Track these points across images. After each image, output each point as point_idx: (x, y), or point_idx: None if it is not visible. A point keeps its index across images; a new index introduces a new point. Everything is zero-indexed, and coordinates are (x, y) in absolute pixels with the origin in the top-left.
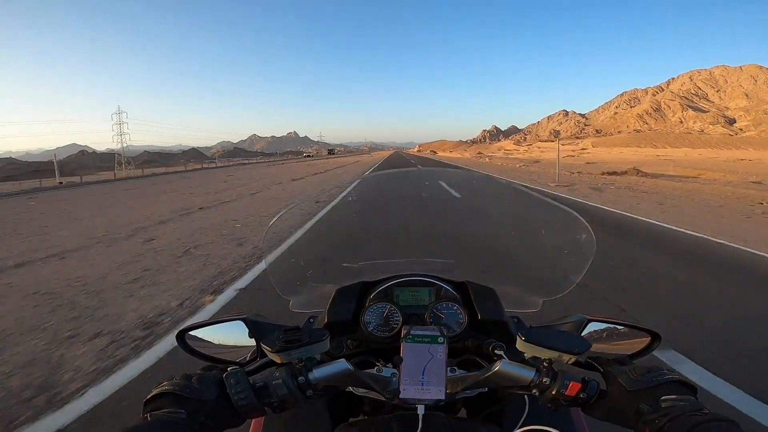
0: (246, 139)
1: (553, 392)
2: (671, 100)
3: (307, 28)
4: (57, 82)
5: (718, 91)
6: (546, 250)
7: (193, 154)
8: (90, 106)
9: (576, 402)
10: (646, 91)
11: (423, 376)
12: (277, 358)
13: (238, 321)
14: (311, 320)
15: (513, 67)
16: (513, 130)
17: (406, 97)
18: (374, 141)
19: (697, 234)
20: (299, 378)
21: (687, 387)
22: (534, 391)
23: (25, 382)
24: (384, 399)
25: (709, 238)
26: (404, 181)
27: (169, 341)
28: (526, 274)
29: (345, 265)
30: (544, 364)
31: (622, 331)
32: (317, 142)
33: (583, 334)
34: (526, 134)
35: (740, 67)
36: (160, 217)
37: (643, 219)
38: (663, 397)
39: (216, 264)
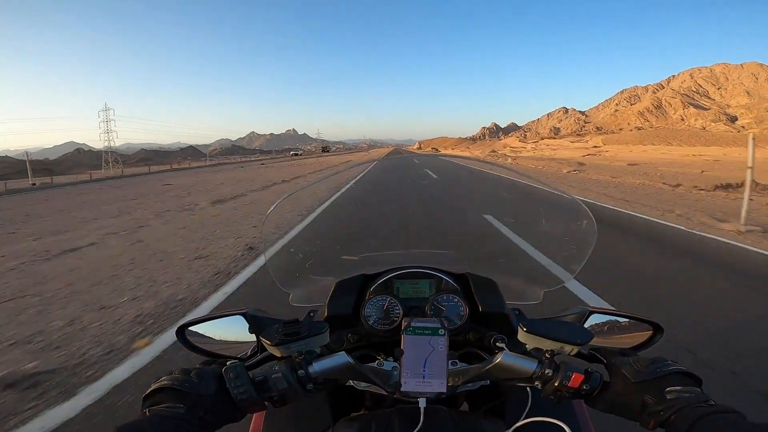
0: (244, 137)
1: (556, 384)
2: (672, 98)
3: (306, 25)
4: (54, 81)
5: (719, 89)
6: (547, 238)
7: (190, 152)
8: (88, 105)
9: (579, 394)
10: (646, 88)
11: (424, 368)
12: (276, 352)
13: (238, 316)
14: (311, 314)
15: (512, 64)
16: (513, 128)
17: (405, 94)
18: (373, 138)
19: None
20: (299, 371)
21: (692, 378)
22: (536, 383)
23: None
24: (385, 393)
25: None
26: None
27: None
28: (527, 265)
29: (345, 257)
30: (546, 355)
31: (624, 323)
32: (315, 140)
33: (585, 326)
34: (525, 131)
35: (741, 64)
36: None
37: None
38: (668, 389)
39: None
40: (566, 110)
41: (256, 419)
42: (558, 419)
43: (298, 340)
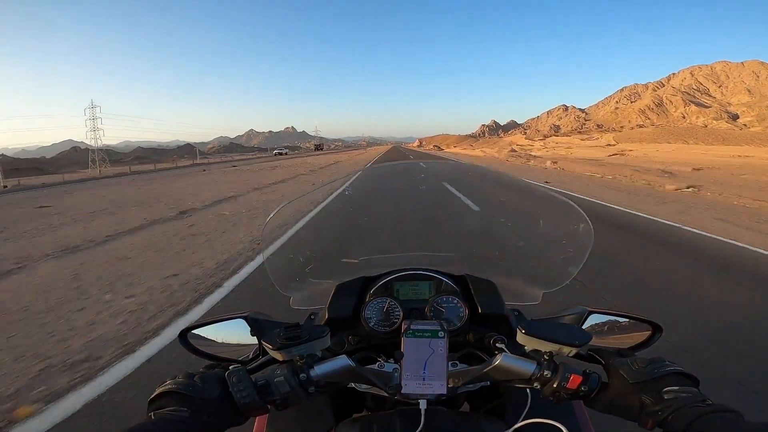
0: (243, 135)
1: (555, 385)
2: (673, 95)
3: (306, 21)
4: (52, 79)
5: (719, 87)
6: (544, 241)
7: (188, 150)
8: (87, 103)
9: (578, 395)
10: (646, 86)
11: (424, 370)
12: (278, 356)
13: (239, 319)
14: (312, 317)
15: (511, 62)
16: (512, 125)
17: (405, 92)
18: (372, 135)
19: None
20: (301, 375)
21: (689, 378)
22: (535, 384)
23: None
24: (386, 394)
25: None
26: None
27: None
28: (525, 266)
29: (345, 260)
30: (545, 357)
31: (623, 323)
32: (314, 137)
33: (584, 327)
34: (525, 129)
35: (742, 62)
36: None
37: None
38: (665, 389)
39: None
40: (566, 108)
41: (259, 422)
42: (557, 420)
43: (300, 344)
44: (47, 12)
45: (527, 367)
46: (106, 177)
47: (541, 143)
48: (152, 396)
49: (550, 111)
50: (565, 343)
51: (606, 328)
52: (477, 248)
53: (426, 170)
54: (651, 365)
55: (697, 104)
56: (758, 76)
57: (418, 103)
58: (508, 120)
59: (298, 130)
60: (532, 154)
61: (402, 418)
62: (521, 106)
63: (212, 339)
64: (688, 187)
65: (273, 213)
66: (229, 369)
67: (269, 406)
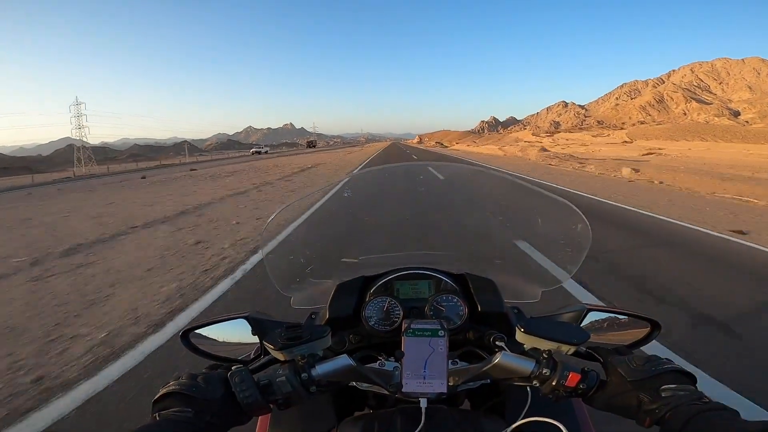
0: (242, 131)
1: (553, 383)
2: (674, 92)
3: (303, 18)
4: (49, 76)
5: (720, 84)
6: (542, 241)
7: (184, 147)
8: (83, 99)
9: (576, 393)
10: (646, 82)
11: (425, 369)
12: (280, 356)
13: (240, 319)
14: (313, 316)
15: (510, 58)
16: (512, 121)
17: (403, 88)
18: (371, 132)
19: None
20: (302, 375)
21: (686, 376)
22: (534, 382)
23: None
24: (387, 393)
25: None
26: None
27: None
28: (524, 265)
29: (344, 260)
30: (544, 355)
31: (622, 320)
32: (312, 134)
33: (582, 324)
34: (525, 125)
35: (743, 59)
36: None
37: None
38: (663, 387)
39: None
40: (566, 104)
41: (262, 421)
42: (556, 418)
43: (301, 344)
44: (46, 6)
45: (526, 365)
46: (81, 178)
47: (551, 140)
48: (156, 397)
49: (549, 107)
50: (563, 341)
51: (605, 325)
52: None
53: (443, 180)
54: (649, 363)
55: (698, 101)
56: (759, 73)
57: (416, 100)
58: (508, 116)
59: (297, 127)
60: (573, 155)
61: (403, 416)
62: (520, 102)
63: (214, 339)
64: None
65: (274, 215)
66: (231, 369)
67: (272, 406)
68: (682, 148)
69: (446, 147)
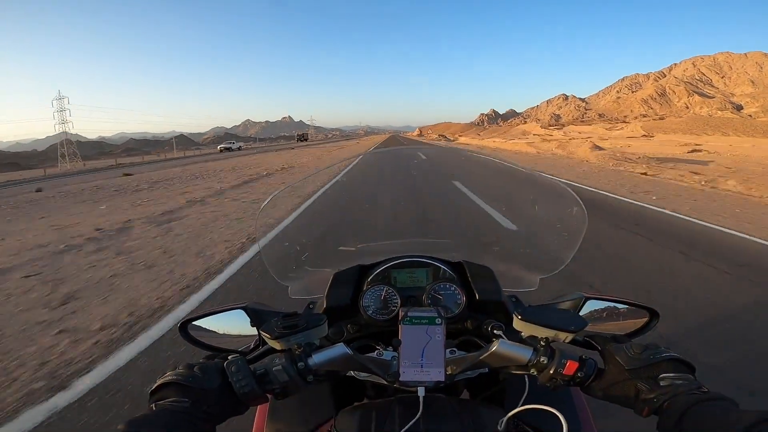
0: (240, 125)
1: (551, 371)
2: (676, 86)
3: (301, 11)
4: (46, 73)
5: (722, 78)
6: (538, 225)
7: (182, 141)
8: (81, 95)
9: (574, 381)
10: (648, 76)
11: (422, 358)
12: (276, 345)
13: (238, 310)
14: (311, 306)
15: (510, 51)
16: (512, 114)
17: (402, 81)
18: (370, 125)
19: None
20: (299, 364)
21: (685, 365)
22: (532, 370)
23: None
24: (386, 382)
25: None
26: None
27: None
28: (521, 251)
29: (342, 248)
30: (542, 343)
31: (620, 309)
32: (311, 126)
33: (581, 313)
34: (525, 118)
35: (745, 54)
36: None
37: None
38: (661, 376)
39: None
40: (566, 97)
41: (260, 411)
42: (554, 406)
43: (297, 333)
44: (42, 3)
45: (524, 353)
46: (57, 176)
47: (561, 133)
48: (153, 388)
49: (549, 100)
50: (560, 328)
51: (604, 314)
52: None
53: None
54: (646, 351)
55: (701, 95)
56: (761, 67)
57: (415, 93)
58: (507, 109)
59: (296, 120)
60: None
61: (401, 405)
62: (520, 95)
63: (213, 330)
64: None
65: (267, 200)
66: (228, 359)
67: (269, 395)
68: (722, 144)
69: (451, 141)
